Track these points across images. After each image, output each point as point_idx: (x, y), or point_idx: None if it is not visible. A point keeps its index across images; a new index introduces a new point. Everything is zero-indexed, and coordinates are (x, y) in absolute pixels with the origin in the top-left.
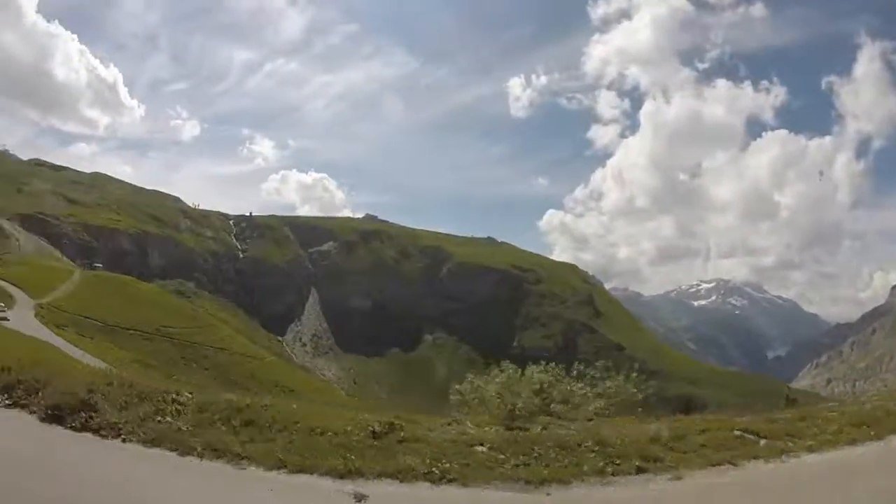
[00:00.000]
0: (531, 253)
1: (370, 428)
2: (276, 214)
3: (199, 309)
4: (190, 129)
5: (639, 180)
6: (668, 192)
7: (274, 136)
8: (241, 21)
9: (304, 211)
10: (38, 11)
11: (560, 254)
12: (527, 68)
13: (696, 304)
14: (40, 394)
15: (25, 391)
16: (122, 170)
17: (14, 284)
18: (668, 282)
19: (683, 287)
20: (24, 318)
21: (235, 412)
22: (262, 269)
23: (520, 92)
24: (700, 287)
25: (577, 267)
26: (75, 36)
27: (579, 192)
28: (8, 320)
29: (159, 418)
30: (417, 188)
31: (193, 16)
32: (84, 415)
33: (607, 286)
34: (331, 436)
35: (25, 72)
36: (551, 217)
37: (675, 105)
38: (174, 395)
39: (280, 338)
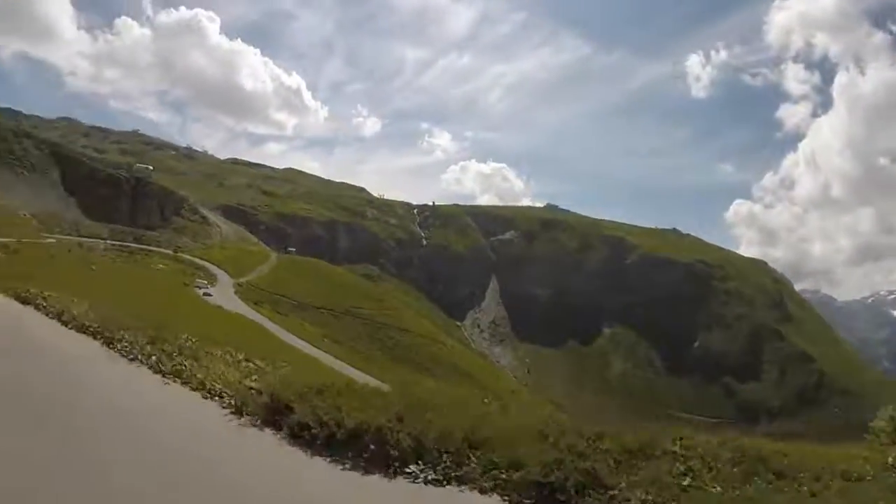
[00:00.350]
0: (717, 247)
1: None
2: (459, 203)
3: (385, 292)
4: (371, 126)
5: (834, 166)
6: (868, 180)
7: (451, 129)
8: (409, 21)
9: (484, 200)
10: (221, 32)
11: (747, 248)
12: (705, 44)
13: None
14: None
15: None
16: (310, 165)
17: (217, 265)
18: (865, 286)
19: (883, 293)
20: (225, 295)
21: None
22: (445, 255)
23: (699, 70)
24: None
25: (767, 264)
26: (257, 50)
27: (768, 179)
28: (211, 295)
29: None
30: (594, 176)
31: (363, 21)
32: None
33: (797, 287)
34: None
35: (218, 85)
36: (738, 207)
37: (870, 76)
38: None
39: (459, 323)
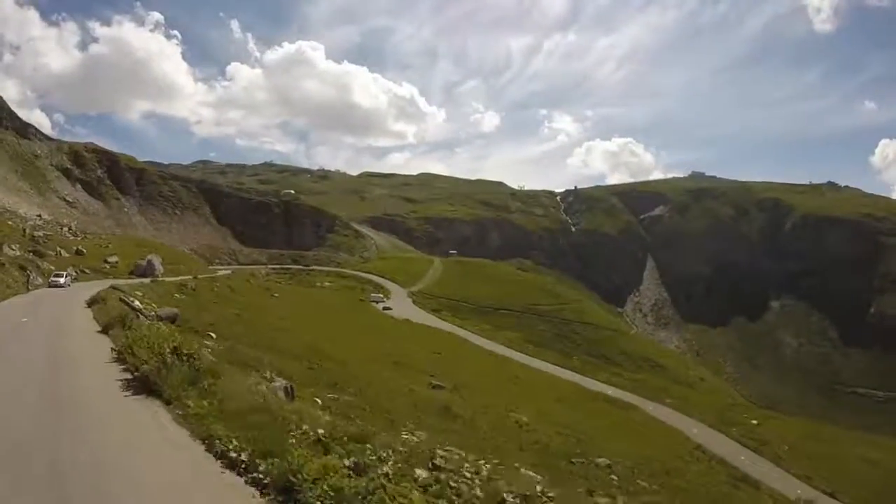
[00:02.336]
0: (881, 197)
1: None
2: (601, 185)
3: (553, 285)
4: (490, 121)
5: None
6: None
7: (570, 111)
8: (507, 11)
9: (615, 179)
10: (327, 58)
11: None
12: None
13: None
14: None
15: None
16: (436, 168)
17: (381, 276)
18: None
19: None
20: (403, 306)
21: None
22: (596, 240)
23: (818, 1)
24: None
25: None
26: (364, 68)
27: None
28: (391, 309)
29: None
30: (727, 137)
31: (461, 20)
32: None
33: None
34: None
35: (334, 107)
36: (884, 148)
37: None
38: None
39: (620, 309)
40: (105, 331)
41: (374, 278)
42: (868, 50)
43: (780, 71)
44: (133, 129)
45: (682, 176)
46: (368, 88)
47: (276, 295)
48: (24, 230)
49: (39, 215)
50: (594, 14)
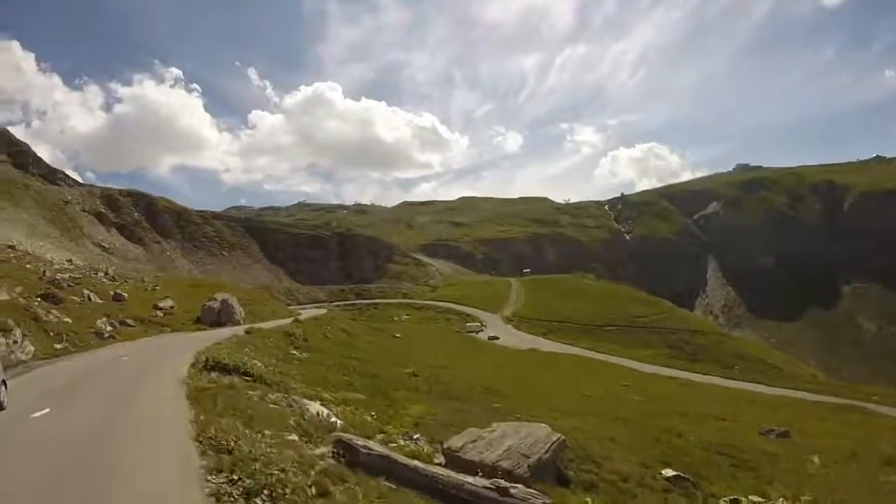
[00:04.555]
0: None
1: None
2: (648, 189)
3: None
4: (513, 141)
5: None
6: None
7: (591, 122)
8: (515, 31)
9: (643, 185)
10: (345, 97)
11: None
12: None
13: None
14: None
15: None
16: (464, 193)
17: (461, 304)
18: None
19: None
20: (505, 333)
21: None
22: (652, 245)
23: None
24: None
25: None
26: (383, 102)
27: None
28: (498, 338)
29: None
30: (752, 126)
31: (472, 46)
32: None
33: None
34: None
35: (358, 144)
36: None
37: None
38: None
39: (689, 312)
40: None
41: (453, 306)
42: (879, 17)
43: (794, 52)
44: (163, 183)
45: (727, 171)
46: (389, 122)
47: (399, 335)
48: (44, 272)
49: (70, 260)
50: (602, 22)
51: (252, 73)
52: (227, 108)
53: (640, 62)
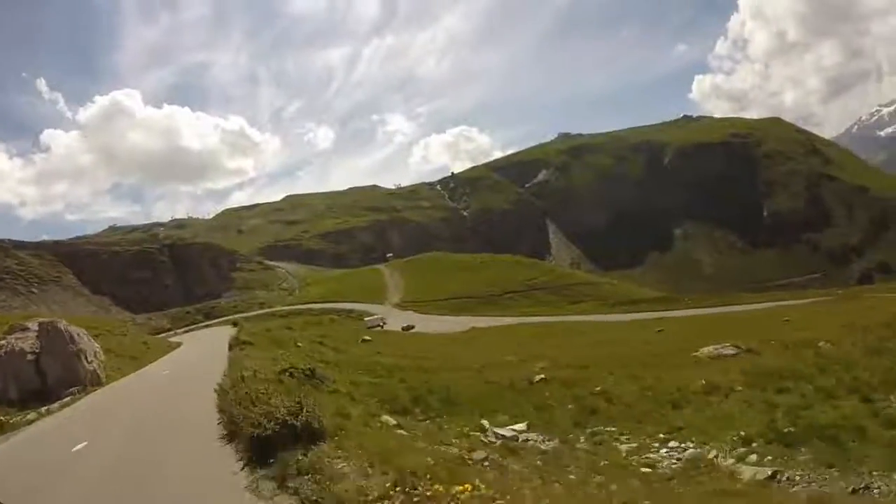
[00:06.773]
0: (734, 118)
1: None
2: (476, 164)
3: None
4: (324, 137)
5: (783, 9)
6: (821, 11)
7: (402, 110)
8: (321, 24)
9: (457, 167)
10: (145, 104)
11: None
12: None
13: (882, 133)
14: None
15: None
16: (280, 196)
17: (337, 302)
18: (846, 117)
19: (864, 118)
20: (418, 321)
21: None
22: (493, 218)
23: None
24: (881, 113)
25: (781, 119)
26: (186, 108)
27: (720, 46)
28: (413, 326)
29: None
30: (567, 98)
31: (275, 42)
32: None
33: None
34: None
35: (164, 156)
36: (699, 84)
37: None
38: None
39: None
40: None
41: (330, 305)
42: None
43: (594, 33)
44: None
45: (550, 140)
46: (195, 128)
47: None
48: None
49: None
50: (408, 12)
51: (42, 84)
52: (15, 128)
53: (446, 49)
